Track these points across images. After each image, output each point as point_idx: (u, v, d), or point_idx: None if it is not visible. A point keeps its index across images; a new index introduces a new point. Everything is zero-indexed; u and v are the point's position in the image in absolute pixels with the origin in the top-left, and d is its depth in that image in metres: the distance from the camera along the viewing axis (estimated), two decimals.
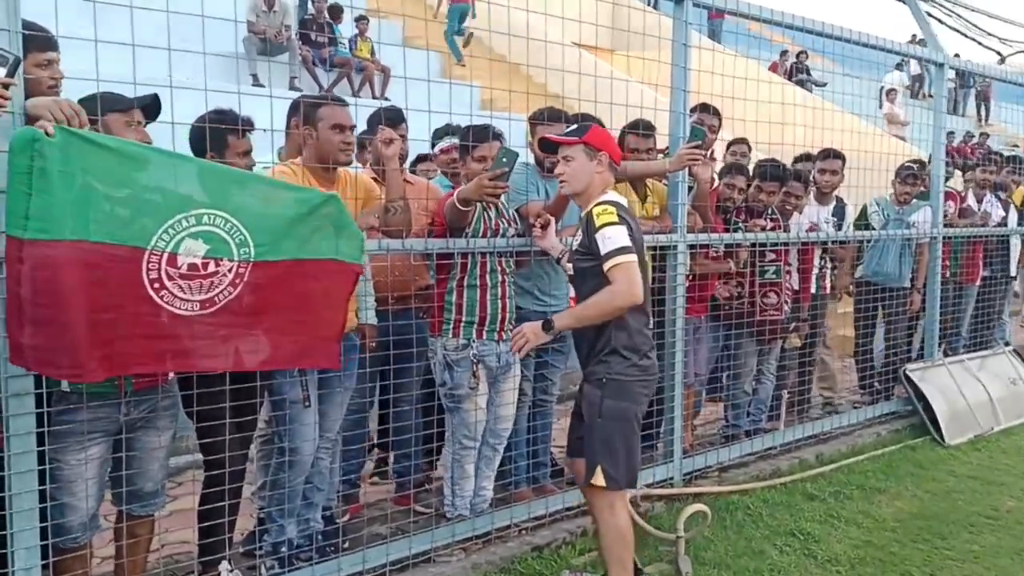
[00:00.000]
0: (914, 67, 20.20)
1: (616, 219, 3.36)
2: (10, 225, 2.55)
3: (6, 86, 2.53)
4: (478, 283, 3.93)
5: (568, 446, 3.74)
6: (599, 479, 3.42)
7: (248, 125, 3.51)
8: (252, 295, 2.92)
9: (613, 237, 3.32)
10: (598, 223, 3.36)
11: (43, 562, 2.83)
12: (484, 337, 3.96)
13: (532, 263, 4.21)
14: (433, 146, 4.69)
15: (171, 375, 3.14)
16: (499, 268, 4.00)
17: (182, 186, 2.77)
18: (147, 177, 2.72)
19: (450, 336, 3.94)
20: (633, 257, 3.33)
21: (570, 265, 3.79)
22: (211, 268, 2.83)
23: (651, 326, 3.70)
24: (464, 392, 3.94)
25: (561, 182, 3.60)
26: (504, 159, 3.64)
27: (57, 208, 2.55)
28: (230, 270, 2.87)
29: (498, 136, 4.02)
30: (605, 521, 3.48)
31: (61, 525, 2.91)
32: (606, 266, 3.32)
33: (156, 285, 2.74)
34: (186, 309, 2.81)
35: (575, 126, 3.66)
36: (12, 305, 2.60)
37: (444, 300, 3.95)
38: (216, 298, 2.86)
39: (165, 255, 2.73)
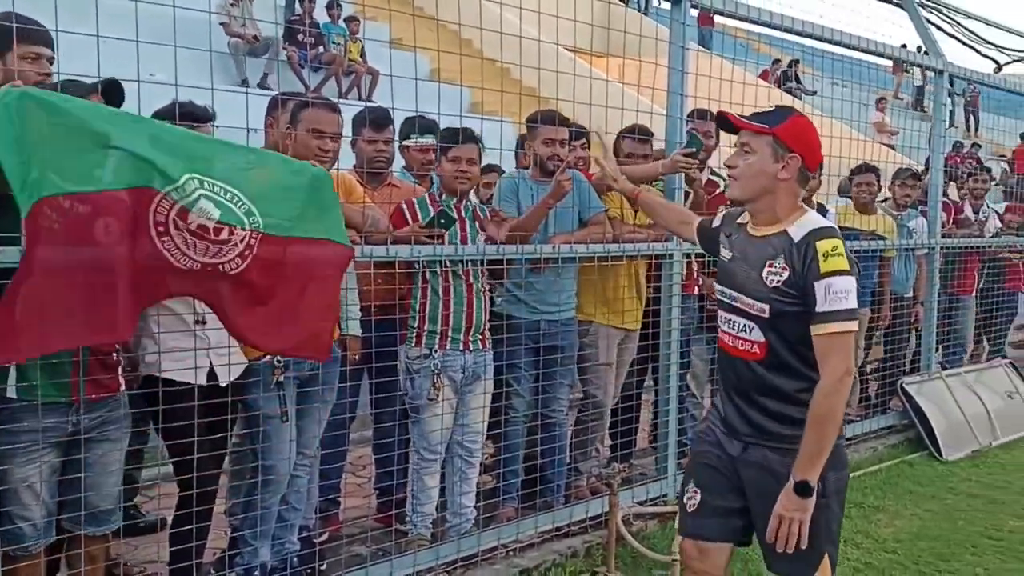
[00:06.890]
0: (917, 77, 20.12)
1: (847, 266, 2.53)
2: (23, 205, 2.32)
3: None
4: (440, 290, 3.77)
5: (701, 524, 2.81)
6: (826, 570, 2.68)
7: (205, 116, 3.32)
8: (258, 271, 2.71)
9: (842, 293, 2.50)
10: (824, 267, 2.51)
11: None
12: (448, 347, 3.79)
13: (524, 272, 4.04)
14: (405, 138, 4.38)
15: (122, 386, 2.92)
16: (464, 275, 3.80)
17: (172, 149, 2.58)
18: (125, 135, 2.51)
19: (413, 344, 3.79)
20: (856, 325, 2.56)
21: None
22: (223, 235, 2.61)
23: None
24: (423, 402, 3.77)
25: (730, 178, 2.76)
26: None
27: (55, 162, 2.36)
28: (242, 240, 2.65)
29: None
30: None
31: (12, 533, 2.73)
32: (822, 329, 2.52)
33: (160, 229, 2.54)
34: (184, 264, 2.59)
35: (770, 109, 2.72)
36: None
37: (410, 307, 3.80)
38: (222, 266, 2.65)
39: (177, 206, 2.53)
